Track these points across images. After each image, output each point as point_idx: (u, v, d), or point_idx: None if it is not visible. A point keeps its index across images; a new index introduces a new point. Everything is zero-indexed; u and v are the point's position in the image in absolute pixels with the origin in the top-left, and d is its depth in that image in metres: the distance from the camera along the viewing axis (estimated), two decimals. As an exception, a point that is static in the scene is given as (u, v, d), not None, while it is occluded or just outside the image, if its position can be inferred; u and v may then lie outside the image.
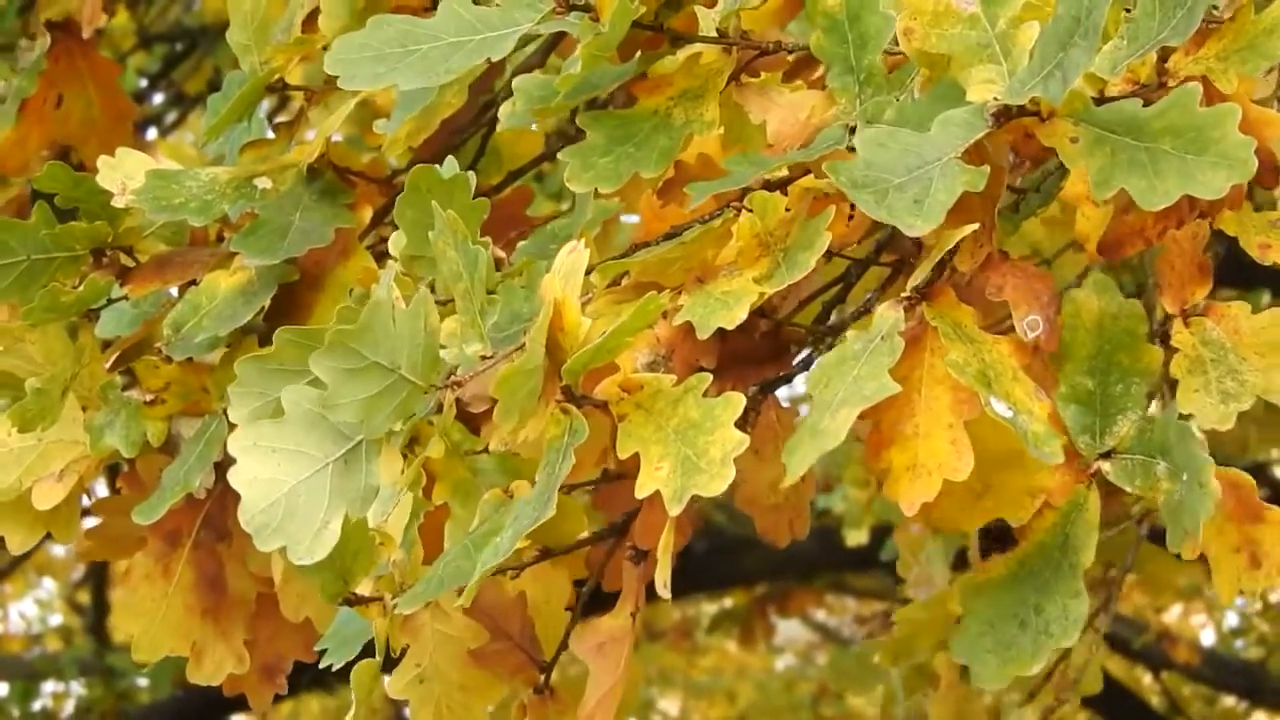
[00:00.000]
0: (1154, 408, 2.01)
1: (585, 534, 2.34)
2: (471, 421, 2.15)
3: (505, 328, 2.05)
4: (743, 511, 2.52)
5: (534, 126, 2.75)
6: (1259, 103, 2.02)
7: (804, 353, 2.19)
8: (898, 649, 3.38)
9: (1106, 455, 1.96)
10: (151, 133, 7.00)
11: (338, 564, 2.08)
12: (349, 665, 2.39)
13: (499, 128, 2.28)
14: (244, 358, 2.08)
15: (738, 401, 1.88)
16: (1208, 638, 9.90)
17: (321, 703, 10.16)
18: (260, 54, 2.61)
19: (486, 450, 2.19)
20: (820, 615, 11.09)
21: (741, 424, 1.88)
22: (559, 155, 2.15)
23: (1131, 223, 2.08)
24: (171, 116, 7.29)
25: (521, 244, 2.53)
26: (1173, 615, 9.64)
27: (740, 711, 11.17)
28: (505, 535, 1.90)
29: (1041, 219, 2.78)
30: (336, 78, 2.62)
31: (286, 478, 1.92)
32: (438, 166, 2.14)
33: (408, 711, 2.40)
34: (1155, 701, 9.11)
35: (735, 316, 1.97)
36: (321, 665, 2.37)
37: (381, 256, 2.57)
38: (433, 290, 2.13)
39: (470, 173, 2.17)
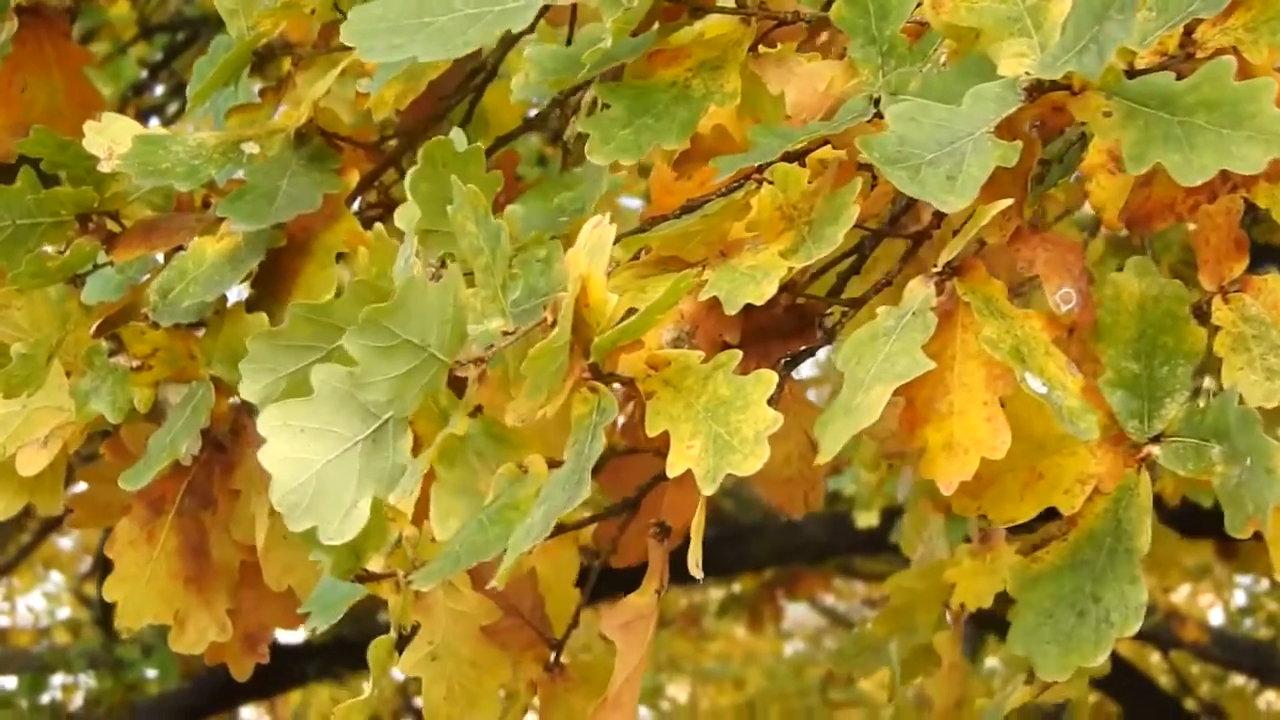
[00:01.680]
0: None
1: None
2: (455, 385, 2.13)
3: (522, 303, 2.03)
4: (752, 494, 2.50)
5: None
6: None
7: (828, 326, 2.16)
8: (893, 619, 3.35)
9: (1156, 439, 1.93)
10: (153, 123, 6.98)
11: (350, 540, 2.06)
12: (358, 654, 2.38)
13: (512, 99, 2.25)
14: (256, 335, 2.07)
15: (770, 379, 1.85)
16: (1216, 617, 9.91)
17: (332, 692, 10.17)
18: (247, 18, 2.58)
19: (474, 414, 2.16)
20: (829, 600, 11.09)
21: (773, 401, 1.86)
22: (580, 126, 2.13)
23: (1160, 196, 2.06)
24: (173, 107, 7.27)
25: (511, 208, 2.51)
26: (1181, 595, 9.64)
27: (749, 697, 11.18)
28: (537, 515, 1.88)
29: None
30: (324, 43, 2.62)
31: (316, 457, 1.90)
32: (453, 139, 2.11)
33: (418, 700, 2.39)
34: (1164, 680, 9.13)
35: (764, 292, 1.95)
36: (305, 629, 2.35)
37: (368, 221, 2.57)
38: (443, 265, 2.11)
39: (481, 144, 2.14)
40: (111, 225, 2.52)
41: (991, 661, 8.20)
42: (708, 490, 1.84)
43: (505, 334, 1.95)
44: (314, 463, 1.89)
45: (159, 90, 7.25)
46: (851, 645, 3.78)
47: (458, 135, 2.14)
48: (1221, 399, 1.88)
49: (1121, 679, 7.56)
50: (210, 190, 2.54)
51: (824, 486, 2.51)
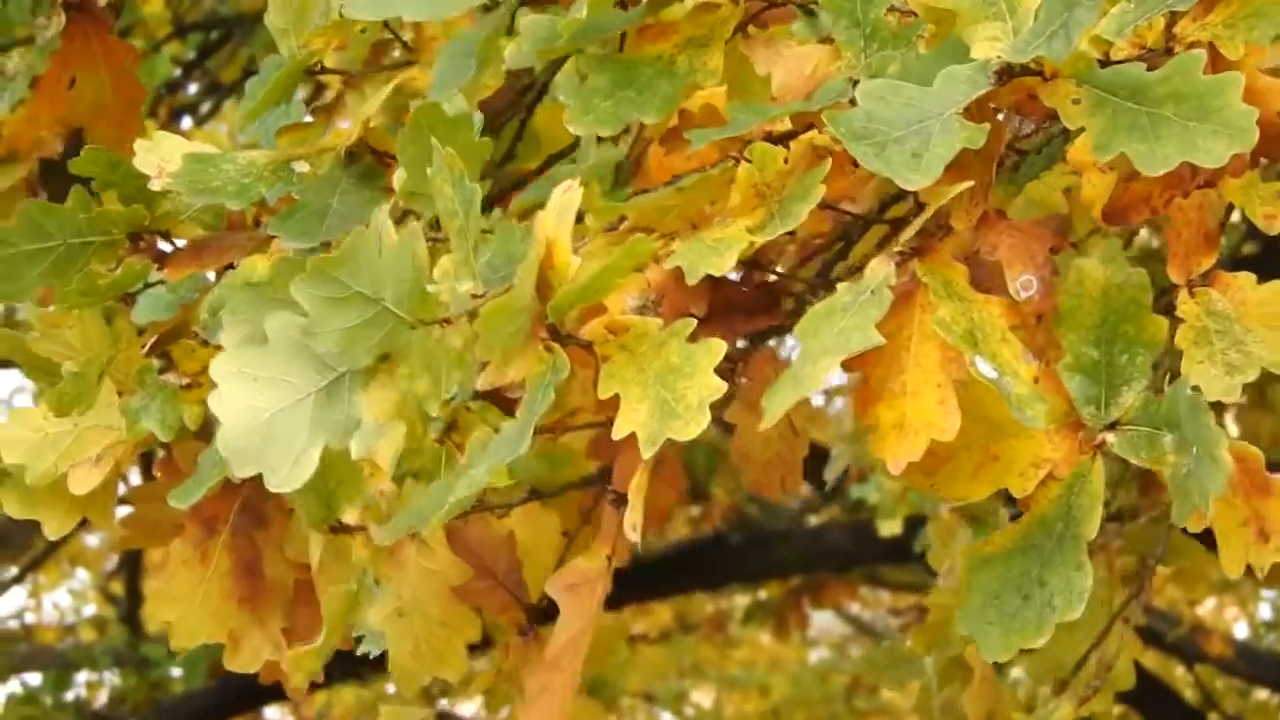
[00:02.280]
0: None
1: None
2: (508, 406, 2.14)
3: (501, 268, 2.03)
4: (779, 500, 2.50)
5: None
6: (1268, 72, 2.00)
7: (795, 305, 2.17)
8: (930, 635, 3.35)
9: (1112, 427, 1.93)
10: (186, 122, 7.01)
11: (321, 490, 2.07)
12: (385, 658, 2.39)
13: (504, 66, 2.26)
14: (237, 284, 2.06)
15: (718, 348, 1.86)
16: (1241, 631, 9.86)
17: (356, 694, 10.19)
18: (298, 38, 2.59)
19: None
20: (854, 608, 11.07)
21: (727, 373, 1.87)
22: (560, 95, 2.14)
23: (1137, 191, 2.06)
24: (206, 106, 7.31)
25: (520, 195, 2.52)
26: (1206, 608, 9.59)
27: (774, 704, 11.16)
28: (479, 468, 1.89)
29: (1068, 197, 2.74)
30: (375, 61, 2.64)
31: (267, 405, 1.90)
32: (443, 104, 2.13)
33: (442, 702, 2.39)
34: (1188, 694, 9.07)
35: (724, 263, 1.96)
36: (359, 652, 2.35)
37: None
38: (436, 228, 2.12)
39: (477, 113, 2.15)
40: (162, 244, 2.52)
41: (1016, 672, 8.18)
42: (647, 454, 1.84)
43: (475, 296, 1.97)
44: (264, 411, 1.90)
45: (192, 89, 7.28)
46: (884, 656, 3.78)
47: (454, 100, 2.16)
48: (1174, 388, 1.89)
49: (1146, 692, 7.51)
50: (261, 209, 2.54)
51: (801, 470, 2.51)
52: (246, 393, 1.89)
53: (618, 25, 2.17)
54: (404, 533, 2.00)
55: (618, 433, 1.86)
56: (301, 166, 2.49)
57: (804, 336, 1.88)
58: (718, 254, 1.97)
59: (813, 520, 8.53)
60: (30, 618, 11.30)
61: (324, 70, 2.65)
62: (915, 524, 6.80)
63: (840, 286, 1.92)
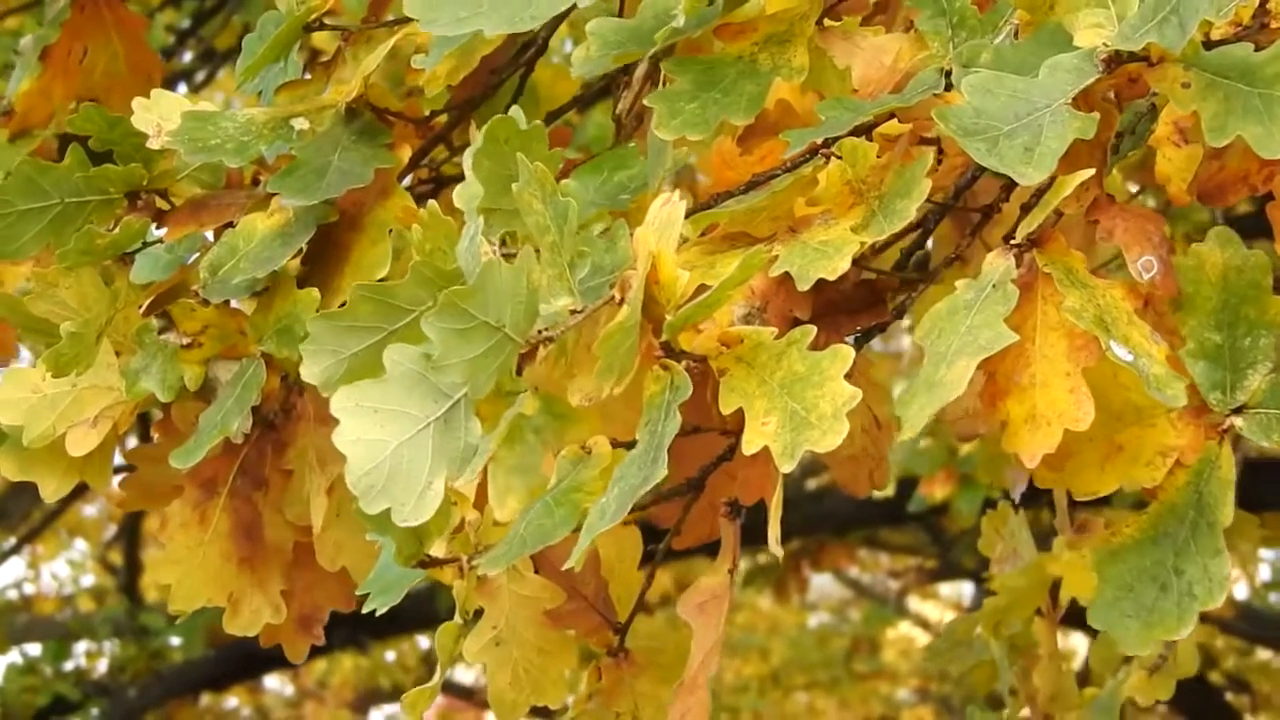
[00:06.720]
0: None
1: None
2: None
3: (587, 280, 2.00)
4: (845, 484, 2.46)
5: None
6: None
7: (899, 301, 2.14)
8: (998, 617, 3.33)
9: (1238, 410, 1.91)
10: (181, 89, 6.94)
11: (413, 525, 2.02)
12: (382, 624, 2.36)
13: (573, 74, 2.22)
14: (316, 315, 2.02)
15: (846, 354, 1.83)
16: (1241, 591, 9.88)
17: (355, 660, 10.17)
18: (296, -7, 2.56)
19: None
20: (853, 571, 11.08)
21: (848, 375, 1.83)
22: (645, 100, 2.10)
23: (1234, 169, 2.04)
24: (201, 75, 7.25)
25: (564, 184, 2.48)
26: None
27: (774, 668, 11.17)
28: (611, 497, 1.85)
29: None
30: (374, 18, 2.59)
31: (390, 438, 1.86)
32: (515, 117, 2.08)
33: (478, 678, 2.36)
34: (1189, 653, 9.06)
35: (837, 267, 1.93)
36: (364, 611, 2.33)
37: (421, 198, 2.55)
38: (504, 244, 2.08)
39: (543, 123, 2.12)
40: (161, 203, 2.50)
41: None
42: (785, 467, 1.81)
43: (573, 312, 1.93)
44: (388, 444, 1.86)
45: (187, 57, 7.22)
46: (944, 641, 3.73)
47: (517, 112, 2.12)
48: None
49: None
50: (260, 166, 2.52)
51: (889, 464, 2.47)
52: (369, 426, 1.86)
53: (695, 26, 2.13)
54: (507, 564, 1.96)
55: (748, 447, 1.83)
56: (301, 124, 2.47)
57: (928, 338, 1.86)
58: (827, 257, 1.94)
59: (812, 484, 8.52)
60: (29, 588, 11.38)
61: (322, 26, 2.60)
62: (905, 485, 6.81)
63: (959, 284, 1.88)
